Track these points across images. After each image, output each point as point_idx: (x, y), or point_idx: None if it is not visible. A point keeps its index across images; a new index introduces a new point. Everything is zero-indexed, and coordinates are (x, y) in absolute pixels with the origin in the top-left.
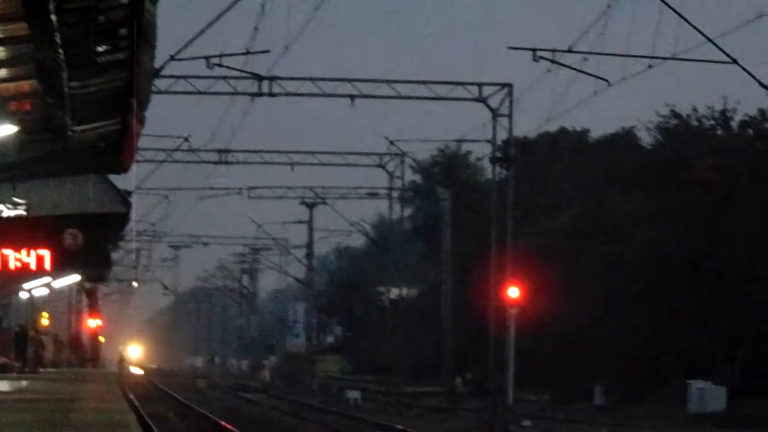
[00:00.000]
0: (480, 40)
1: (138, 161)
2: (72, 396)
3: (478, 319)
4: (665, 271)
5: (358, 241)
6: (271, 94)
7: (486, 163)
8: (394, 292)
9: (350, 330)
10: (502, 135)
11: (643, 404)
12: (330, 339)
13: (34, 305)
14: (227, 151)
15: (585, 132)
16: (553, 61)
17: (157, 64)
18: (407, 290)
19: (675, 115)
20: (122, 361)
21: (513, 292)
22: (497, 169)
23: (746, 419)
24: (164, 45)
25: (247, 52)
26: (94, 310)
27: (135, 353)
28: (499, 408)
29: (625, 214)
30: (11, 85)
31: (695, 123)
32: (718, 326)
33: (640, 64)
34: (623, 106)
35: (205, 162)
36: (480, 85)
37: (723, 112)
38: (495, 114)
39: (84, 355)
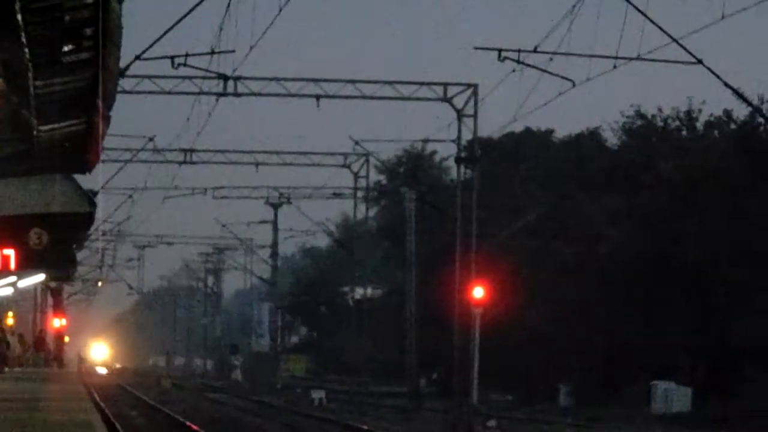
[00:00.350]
0: (445, 40)
1: (103, 161)
2: (37, 395)
3: (442, 319)
4: (629, 271)
5: (323, 241)
6: (237, 94)
7: (451, 163)
8: (359, 292)
9: (315, 330)
10: (467, 135)
11: (608, 405)
12: (295, 339)
13: None
14: (192, 150)
15: (549, 132)
16: (518, 62)
17: (122, 63)
18: (372, 290)
19: (640, 115)
20: (81, 361)
21: (477, 292)
22: (462, 169)
23: (711, 419)
24: (129, 45)
25: (213, 52)
26: (59, 309)
27: (100, 353)
28: (463, 408)
29: (590, 214)
30: None
31: (660, 123)
32: (683, 327)
33: (605, 65)
34: (588, 106)
35: (169, 162)
36: (445, 85)
37: (688, 113)
38: (460, 114)
39: (48, 354)
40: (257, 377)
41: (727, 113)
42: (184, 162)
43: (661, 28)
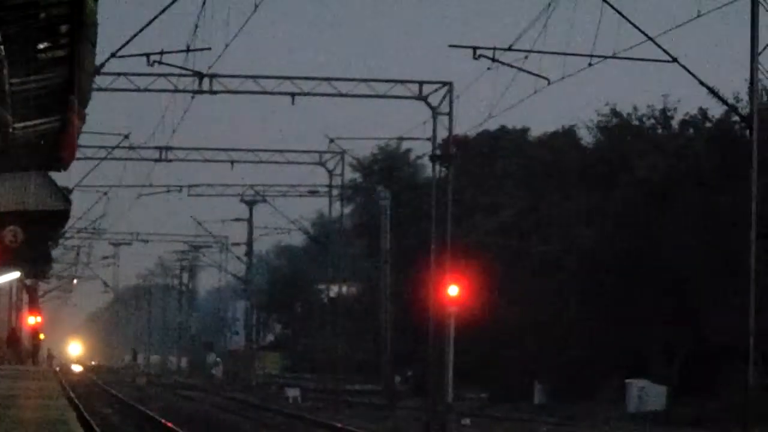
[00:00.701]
0: (421, 39)
1: (78, 158)
2: (12, 393)
3: (417, 317)
4: (604, 269)
5: (298, 239)
6: (212, 92)
7: (426, 162)
8: (334, 290)
9: (290, 327)
10: (442, 133)
11: (583, 403)
12: (270, 337)
13: None
14: (167, 148)
15: (525, 130)
16: (493, 59)
17: (97, 61)
18: (347, 288)
19: (615, 113)
20: (50, 358)
21: (452, 290)
22: (437, 167)
23: (686, 418)
24: (105, 42)
25: (188, 50)
26: (34, 307)
27: (75, 350)
28: (438, 406)
29: (565, 213)
30: None
31: (635, 122)
32: (657, 326)
33: (580, 63)
34: (564, 104)
35: (145, 159)
36: (420, 83)
37: (663, 111)
38: (435, 112)
39: (21, 352)
40: (231, 375)
41: (703, 112)
42: (160, 159)
43: (636, 27)
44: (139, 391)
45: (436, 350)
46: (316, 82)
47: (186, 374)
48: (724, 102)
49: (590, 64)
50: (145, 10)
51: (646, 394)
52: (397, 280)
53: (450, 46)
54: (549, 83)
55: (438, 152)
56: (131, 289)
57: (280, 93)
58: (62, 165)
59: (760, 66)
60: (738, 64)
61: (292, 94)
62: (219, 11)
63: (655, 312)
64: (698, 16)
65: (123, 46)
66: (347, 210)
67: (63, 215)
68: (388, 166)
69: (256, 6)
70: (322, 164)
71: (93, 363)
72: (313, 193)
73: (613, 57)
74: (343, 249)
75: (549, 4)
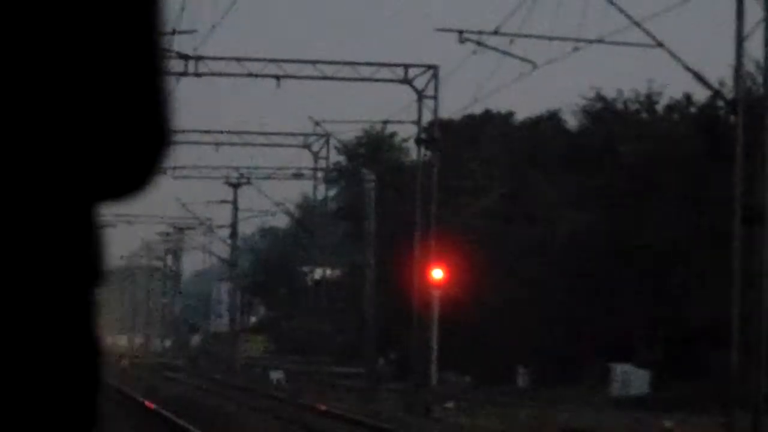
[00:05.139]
0: (406, 22)
1: None
2: None
3: (401, 300)
4: (588, 253)
5: (282, 222)
6: (197, 74)
7: (411, 145)
8: (318, 273)
9: (274, 310)
10: (427, 117)
11: (566, 387)
12: (254, 319)
13: None
14: None
15: (510, 114)
16: (479, 43)
17: None
18: (331, 271)
19: (600, 98)
20: None
21: (437, 273)
22: (422, 150)
23: (669, 402)
24: None
25: (174, 32)
26: None
27: None
28: (421, 389)
29: (549, 197)
30: None
31: (620, 106)
32: (641, 309)
33: (566, 47)
34: (550, 89)
35: None
36: (406, 66)
37: (648, 96)
38: (420, 95)
39: None
40: (214, 357)
41: (687, 96)
42: None
43: (622, 11)
44: (123, 374)
45: (419, 333)
46: (301, 65)
47: (170, 356)
48: (710, 86)
49: (576, 49)
50: None
51: (630, 378)
52: (381, 262)
53: (436, 29)
54: (535, 67)
55: (423, 136)
56: (115, 271)
57: (266, 75)
58: None
59: (745, 51)
60: (723, 49)
61: (277, 77)
62: None
63: (639, 296)
64: (684, 0)
65: None
66: (332, 193)
67: None
68: (372, 149)
69: None
70: (306, 147)
71: None
72: (297, 175)
73: (599, 41)
74: (328, 232)
75: None
